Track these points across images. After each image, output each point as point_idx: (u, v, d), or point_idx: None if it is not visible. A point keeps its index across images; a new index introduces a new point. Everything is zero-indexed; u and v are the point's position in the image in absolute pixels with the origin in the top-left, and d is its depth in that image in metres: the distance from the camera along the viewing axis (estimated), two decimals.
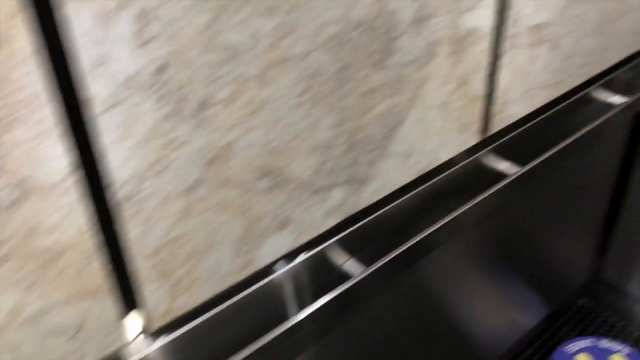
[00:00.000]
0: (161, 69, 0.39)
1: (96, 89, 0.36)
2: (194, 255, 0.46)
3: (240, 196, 0.48)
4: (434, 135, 0.63)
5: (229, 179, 0.46)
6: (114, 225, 0.41)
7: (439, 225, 0.65)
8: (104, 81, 0.36)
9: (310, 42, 0.46)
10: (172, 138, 0.41)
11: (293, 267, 0.56)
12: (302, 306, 0.56)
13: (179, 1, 0.38)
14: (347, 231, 0.59)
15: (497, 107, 0.69)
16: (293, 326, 0.53)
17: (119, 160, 0.39)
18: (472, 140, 0.69)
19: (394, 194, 0.63)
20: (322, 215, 0.56)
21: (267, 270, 0.54)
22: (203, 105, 0.42)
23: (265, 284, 0.54)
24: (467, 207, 0.68)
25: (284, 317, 0.55)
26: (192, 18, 0.39)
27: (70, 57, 0.35)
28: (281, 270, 0.55)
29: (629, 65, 0.91)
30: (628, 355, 1.12)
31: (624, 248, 1.18)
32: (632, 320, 1.22)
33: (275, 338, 0.52)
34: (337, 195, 0.56)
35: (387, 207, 0.63)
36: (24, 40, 0.32)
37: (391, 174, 0.61)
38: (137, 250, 0.43)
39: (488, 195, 0.70)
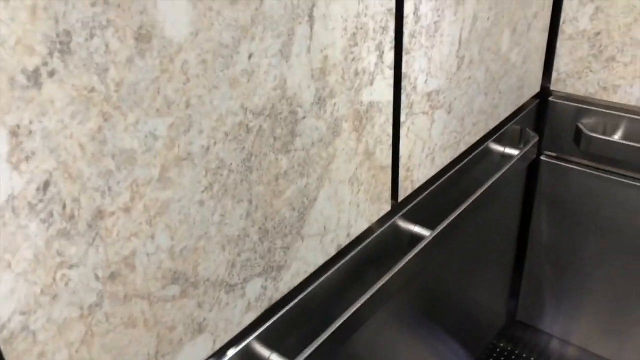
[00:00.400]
0: (45, 186, 0.34)
1: None
2: None
3: (148, 308, 0.43)
4: (346, 209, 0.61)
5: (133, 293, 0.42)
6: None
7: (362, 302, 0.63)
8: None
9: (210, 136, 0.44)
10: (63, 259, 0.37)
11: None
12: None
13: (58, 111, 0.34)
14: (269, 323, 0.56)
15: (403, 174, 0.70)
16: None
17: (2, 294, 0.34)
18: (384, 208, 0.68)
19: (313, 275, 0.60)
20: (240, 312, 0.52)
21: None
22: (97, 218, 0.38)
23: None
24: (387, 278, 0.66)
25: None
26: (76, 128, 0.35)
27: None
28: None
29: (517, 118, 0.96)
30: None
31: (534, 288, 1.22)
32: (548, 357, 1.25)
33: None
34: (254, 288, 0.53)
35: (308, 290, 0.60)
36: None
37: (308, 255, 0.58)
38: None
39: (406, 262, 0.69)
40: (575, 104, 1.00)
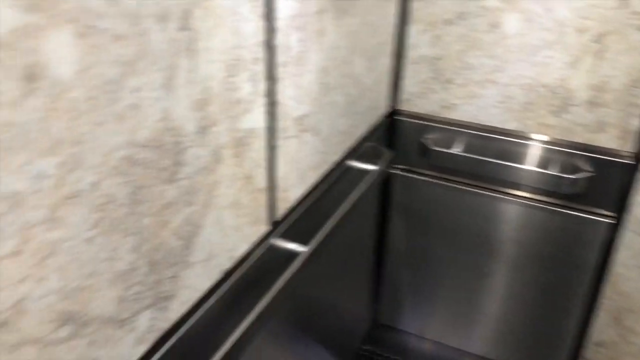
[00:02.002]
0: None
1: None
2: None
3: (39, 354, 0.41)
4: (230, 234, 0.63)
5: (23, 340, 0.40)
6: None
7: (251, 319, 0.65)
8: None
9: (98, 172, 0.43)
10: None
11: None
12: None
13: None
14: (159, 355, 0.55)
15: (278, 195, 0.73)
16: None
17: None
18: (262, 229, 0.71)
19: (200, 301, 0.61)
20: (132, 345, 0.51)
21: None
22: None
23: None
24: (270, 295, 0.69)
25: None
26: None
27: None
28: None
29: (372, 136, 1.04)
30: None
31: (393, 291, 1.32)
32: (408, 354, 1.36)
33: None
34: (144, 320, 0.52)
35: (197, 317, 0.60)
36: None
37: (195, 282, 0.59)
38: None
39: (285, 280, 0.72)
40: (420, 122, 1.11)
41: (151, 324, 0.53)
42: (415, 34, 1.05)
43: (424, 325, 1.34)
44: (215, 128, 0.56)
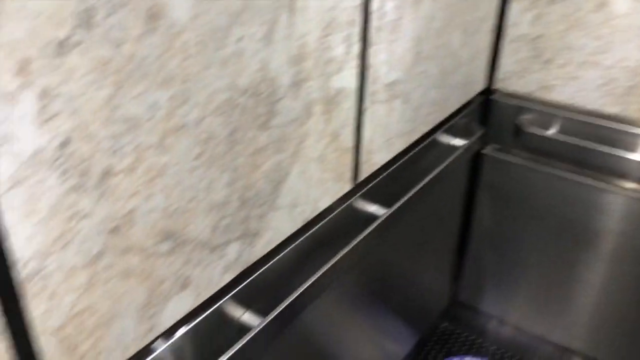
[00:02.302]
0: (64, 144, 0.39)
1: (2, 166, 0.36)
2: (99, 327, 0.46)
3: (142, 262, 0.48)
4: (314, 186, 0.68)
5: (131, 247, 0.47)
6: (19, 304, 0.39)
7: (323, 271, 0.69)
8: (8, 160, 0.36)
9: (203, 109, 0.49)
10: (76, 211, 0.41)
11: (194, 325, 0.56)
12: None
13: (80, 78, 0.39)
14: (243, 284, 0.61)
15: (363, 157, 0.77)
16: None
17: (22, 238, 0.38)
18: (346, 187, 0.75)
19: (282, 244, 0.66)
20: (220, 271, 0.57)
21: (170, 332, 0.54)
22: (105, 176, 0.42)
23: (167, 347, 0.54)
24: (344, 251, 0.73)
25: None
26: (93, 93, 0.40)
27: None
28: (183, 330, 0.55)
29: (464, 112, 1.05)
30: None
31: (476, 271, 1.32)
32: (487, 336, 1.36)
33: None
34: (232, 250, 0.58)
35: (277, 258, 0.66)
36: None
37: (280, 225, 0.64)
38: (42, 328, 0.41)
39: (361, 239, 0.76)
40: (516, 101, 1.10)
41: (238, 256, 0.59)
42: (518, 12, 1.03)
43: (505, 309, 1.33)
44: (308, 84, 0.61)
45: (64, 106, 0.38)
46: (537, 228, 1.18)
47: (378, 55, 0.71)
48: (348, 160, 0.73)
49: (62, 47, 0.37)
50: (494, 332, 1.35)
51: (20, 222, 0.38)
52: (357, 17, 0.65)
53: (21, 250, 0.38)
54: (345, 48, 0.64)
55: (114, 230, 0.45)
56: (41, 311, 0.41)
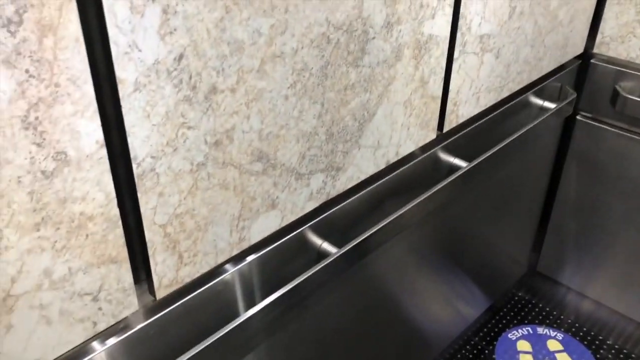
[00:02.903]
0: (179, 58, 0.44)
1: (125, 73, 0.41)
2: (197, 229, 0.52)
3: (237, 177, 0.53)
4: (398, 129, 0.70)
5: (229, 161, 0.52)
6: (134, 197, 0.46)
7: (399, 214, 0.72)
8: (132, 66, 0.42)
9: (299, 41, 0.53)
10: (185, 120, 0.46)
11: (278, 245, 0.61)
12: (282, 283, 0.61)
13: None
14: (324, 215, 0.66)
15: (449, 107, 0.78)
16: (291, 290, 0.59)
17: (140, 138, 0.44)
18: (430, 136, 0.77)
19: (363, 183, 0.70)
20: (304, 199, 0.62)
21: (258, 246, 0.59)
22: (211, 92, 0.47)
23: (255, 259, 0.60)
24: (423, 197, 0.75)
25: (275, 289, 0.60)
26: (206, 14, 0.44)
27: (106, 44, 0.40)
28: (268, 247, 0.61)
29: (558, 75, 1.02)
30: (562, 340, 1.24)
31: (557, 242, 1.30)
32: (565, 308, 1.33)
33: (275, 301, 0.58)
34: (317, 181, 0.62)
35: (357, 195, 0.69)
36: (70, 27, 0.37)
37: (362, 164, 0.68)
38: (151, 222, 0.47)
39: (441, 188, 0.78)
40: (616, 67, 1.06)
41: (322, 186, 0.63)
42: None
43: (585, 282, 1.30)
44: (401, 26, 0.63)
45: (181, 23, 0.43)
46: (628, 201, 1.15)
47: (472, 6, 0.72)
48: (434, 109, 0.75)
49: None
50: (571, 305, 1.33)
51: (139, 123, 0.44)
52: None
53: (138, 149, 0.44)
54: None
55: (216, 144, 0.50)
56: (150, 206, 0.47)
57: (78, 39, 0.38)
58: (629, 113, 1.07)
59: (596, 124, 1.12)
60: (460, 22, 0.72)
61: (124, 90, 0.42)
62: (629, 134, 1.09)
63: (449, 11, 0.69)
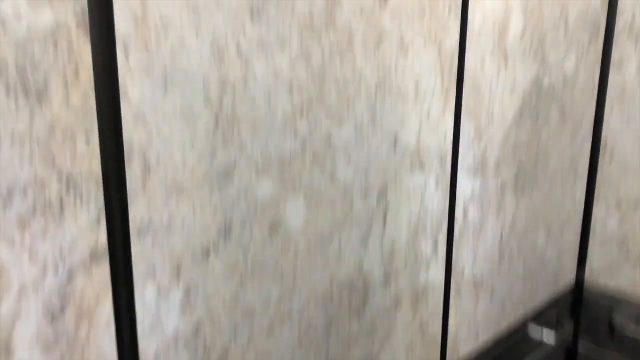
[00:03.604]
0: (197, 330, 0.48)
1: (147, 347, 0.45)
2: None
3: None
4: None
5: None
6: None
7: None
8: (155, 341, 0.45)
9: (306, 301, 0.57)
10: None
11: None
12: None
13: (214, 271, 0.49)
14: None
15: (450, 347, 0.80)
16: None
17: None
18: None
19: None
20: None
21: None
22: (223, 355, 0.51)
23: None
24: None
25: None
26: (223, 287, 0.50)
27: (133, 321, 0.44)
28: None
29: (554, 306, 1.06)
30: None
31: None
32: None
33: None
34: None
35: None
36: (104, 313, 0.42)
37: None
38: None
39: None
40: (609, 298, 1.10)
41: None
42: (603, 214, 1.08)
43: None
44: (398, 279, 0.68)
45: (200, 298, 0.48)
46: None
47: (463, 254, 0.79)
48: (435, 350, 0.77)
49: (207, 253, 0.48)
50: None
51: None
52: (443, 222, 0.74)
53: None
54: (432, 248, 0.73)
55: None
56: None
57: (109, 324, 0.42)
58: (629, 345, 1.08)
59: (597, 356, 1.13)
60: (454, 270, 0.77)
61: None
62: None
63: (442, 261, 0.75)
